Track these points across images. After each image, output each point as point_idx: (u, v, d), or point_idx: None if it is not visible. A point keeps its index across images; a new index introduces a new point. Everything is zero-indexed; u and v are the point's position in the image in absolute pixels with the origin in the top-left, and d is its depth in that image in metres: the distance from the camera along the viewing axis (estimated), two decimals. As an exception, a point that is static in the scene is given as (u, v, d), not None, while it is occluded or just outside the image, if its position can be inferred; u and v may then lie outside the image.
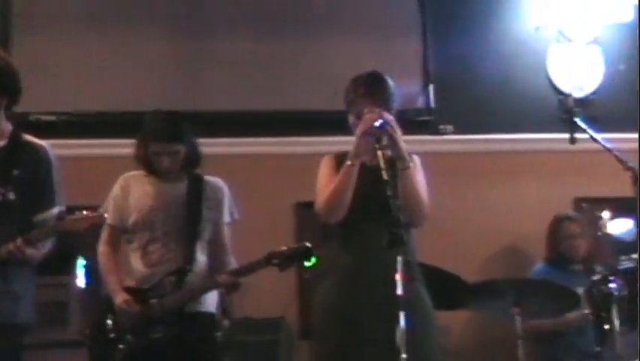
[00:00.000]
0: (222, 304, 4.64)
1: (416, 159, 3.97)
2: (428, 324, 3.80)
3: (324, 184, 3.91)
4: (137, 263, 4.22)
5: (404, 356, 3.17)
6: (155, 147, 4.20)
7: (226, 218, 4.34)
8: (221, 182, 4.39)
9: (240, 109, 6.02)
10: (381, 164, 3.47)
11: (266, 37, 6.16)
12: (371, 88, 3.93)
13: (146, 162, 4.26)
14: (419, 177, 3.90)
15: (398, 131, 3.71)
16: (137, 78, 6.02)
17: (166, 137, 4.21)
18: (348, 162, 3.77)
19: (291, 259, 4.06)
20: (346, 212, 3.81)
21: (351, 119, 3.95)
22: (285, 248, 4.06)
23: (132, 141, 4.29)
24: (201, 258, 4.24)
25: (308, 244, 4.03)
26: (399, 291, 3.24)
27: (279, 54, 6.15)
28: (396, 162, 3.72)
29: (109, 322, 4.12)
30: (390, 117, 3.73)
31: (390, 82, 3.98)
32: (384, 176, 3.42)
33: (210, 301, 4.25)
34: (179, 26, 6.21)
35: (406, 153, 3.75)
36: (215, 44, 6.16)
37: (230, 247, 4.32)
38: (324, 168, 3.99)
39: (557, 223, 5.64)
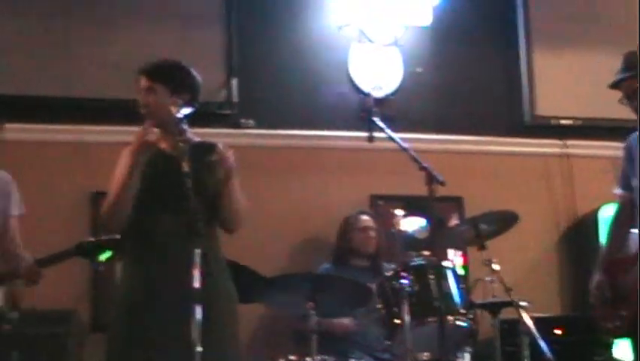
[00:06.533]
0: (10, 296, 4.47)
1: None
2: (226, 316, 3.80)
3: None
4: None
5: (199, 349, 3.14)
6: None
7: (14, 211, 4.28)
8: (8, 176, 4.33)
9: (30, 94, 5.77)
10: (182, 155, 3.42)
11: (60, 21, 5.94)
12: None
13: None
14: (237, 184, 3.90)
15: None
16: None
17: None
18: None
19: (101, 248, 3.94)
20: (125, 219, 3.74)
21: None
22: (94, 238, 3.95)
23: None
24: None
25: (118, 236, 3.90)
26: (196, 284, 3.19)
27: (74, 39, 5.93)
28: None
29: None
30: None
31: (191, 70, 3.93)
32: (185, 168, 3.37)
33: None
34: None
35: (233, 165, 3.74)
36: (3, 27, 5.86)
37: (20, 241, 4.24)
38: (120, 163, 3.87)
39: (348, 218, 5.76)
